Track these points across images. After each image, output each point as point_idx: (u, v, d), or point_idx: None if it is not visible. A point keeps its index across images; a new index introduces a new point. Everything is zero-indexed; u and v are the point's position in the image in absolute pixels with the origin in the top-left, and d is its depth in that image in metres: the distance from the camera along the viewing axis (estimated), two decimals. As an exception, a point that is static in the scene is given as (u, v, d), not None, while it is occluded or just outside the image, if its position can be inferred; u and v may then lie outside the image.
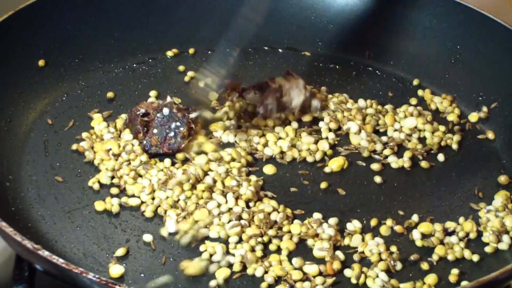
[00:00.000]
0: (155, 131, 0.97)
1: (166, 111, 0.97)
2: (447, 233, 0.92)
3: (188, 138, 0.98)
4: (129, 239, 0.90)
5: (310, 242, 0.90)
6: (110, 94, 1.07)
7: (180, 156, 0.98)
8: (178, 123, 0.97)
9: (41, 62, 1.07)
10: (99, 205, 0.92)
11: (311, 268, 0.87)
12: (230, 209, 0.92)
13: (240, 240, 0.89)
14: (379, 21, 1.16)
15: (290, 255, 0.89)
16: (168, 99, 1.00)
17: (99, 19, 1.12)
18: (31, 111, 1.03)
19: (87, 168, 0.97)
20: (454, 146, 1.04)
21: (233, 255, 0.88)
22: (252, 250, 0.88)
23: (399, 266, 0.88)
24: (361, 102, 1.07)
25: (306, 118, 1.04)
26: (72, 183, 0.95)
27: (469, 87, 1.10)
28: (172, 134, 0.97)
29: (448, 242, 0.90)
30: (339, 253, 0.88)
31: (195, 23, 1.17)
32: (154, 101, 1.03)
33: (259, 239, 0.89)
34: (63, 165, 0.97)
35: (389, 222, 0.92)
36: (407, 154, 1.01)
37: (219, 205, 0.92)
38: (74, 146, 0.98)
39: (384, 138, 1.03)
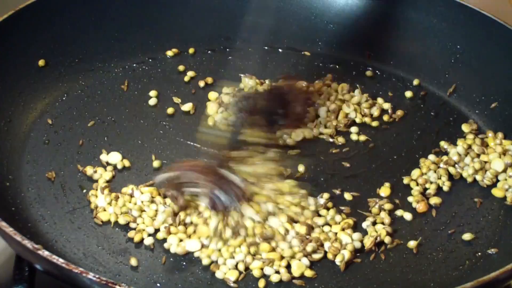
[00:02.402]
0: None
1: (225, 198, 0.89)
2: None
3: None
4: (129, 239, 0.90)
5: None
6: (110, 94, 1.07)
7: None
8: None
9: (41, 62, 1.07)
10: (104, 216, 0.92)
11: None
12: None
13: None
14: (379, 21, 1.16)
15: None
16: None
17: (99, 19, 1.12)
18: (31, 111, 1.03)
19: (87, 168, 0.97)
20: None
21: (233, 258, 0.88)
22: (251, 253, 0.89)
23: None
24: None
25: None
26: (72, 183, 0.95)
27: (469, 87, 1.10)
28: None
29: None
30: None
31: (195, 23, 1.17)
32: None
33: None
34: (63, 165, 0.97)
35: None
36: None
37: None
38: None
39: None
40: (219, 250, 0.88)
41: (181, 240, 0.89)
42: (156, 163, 0.98)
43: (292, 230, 0.90)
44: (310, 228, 0.90)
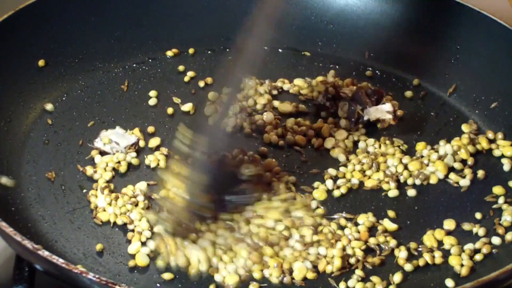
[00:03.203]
0: None
1: None
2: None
3: None
4: (129, 239, 0.90)
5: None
6: (110, 94, 1.07)
7: None
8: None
9: (41, 62, 1.07)
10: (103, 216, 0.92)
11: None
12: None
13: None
14: (379, 21, 1.16)
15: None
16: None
17: (99, 19, 1.12)
18: (31, 111, 1.03)
19: (87, 168, 0.97)
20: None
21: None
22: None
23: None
24: None
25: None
26: (72, 183, 0.95)
27: (469, 87, 1.10)
28: None
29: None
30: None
31: (195, 23, 1.17)
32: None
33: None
34: (63, 165, 0.97)
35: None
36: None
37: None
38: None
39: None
40: (219, 256, 0.88)
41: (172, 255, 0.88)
42: (155, 163, 0.98)
43: (296, 234, 0.89)
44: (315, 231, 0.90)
